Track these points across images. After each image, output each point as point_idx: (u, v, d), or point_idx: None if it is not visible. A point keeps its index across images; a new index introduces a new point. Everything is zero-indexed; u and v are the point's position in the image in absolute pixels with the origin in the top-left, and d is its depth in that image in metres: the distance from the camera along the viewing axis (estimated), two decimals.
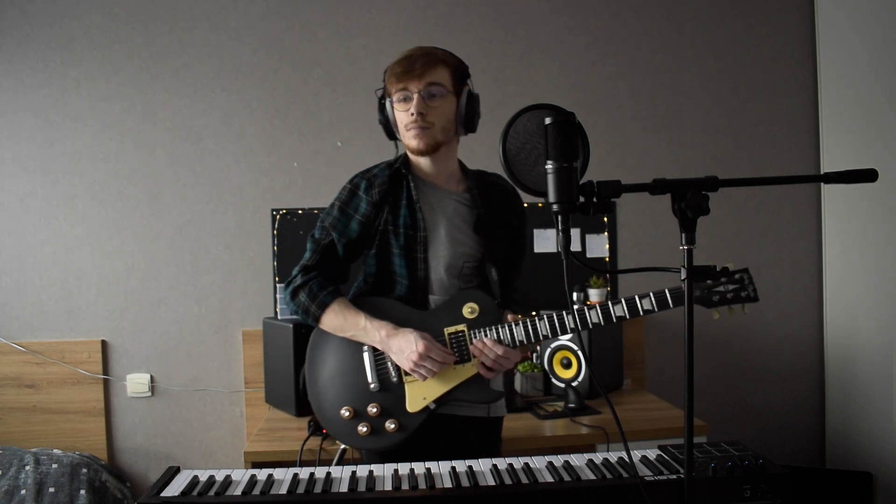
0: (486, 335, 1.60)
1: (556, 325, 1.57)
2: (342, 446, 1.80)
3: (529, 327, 1.59)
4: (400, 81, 1.62)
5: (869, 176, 1.15)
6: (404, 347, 1.57)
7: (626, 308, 1.54)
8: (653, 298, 1.52)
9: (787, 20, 3.15)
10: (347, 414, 1.63)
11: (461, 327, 1.62)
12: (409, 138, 1.64)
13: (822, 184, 2.94)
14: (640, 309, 1.53)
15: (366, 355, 1.65)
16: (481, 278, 1.72)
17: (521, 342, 1.59)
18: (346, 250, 1.69)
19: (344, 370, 1.67)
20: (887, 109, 2.75)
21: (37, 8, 2.82)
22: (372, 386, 1.63)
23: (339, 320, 1.64)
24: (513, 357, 1.59)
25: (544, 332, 1.58)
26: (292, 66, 2.94)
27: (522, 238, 1.84)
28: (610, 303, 1.54)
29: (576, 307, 1.55)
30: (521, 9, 3.03)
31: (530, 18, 3.03)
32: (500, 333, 1.59)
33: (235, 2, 2.91)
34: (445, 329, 1.62)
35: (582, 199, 1.12)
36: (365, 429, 1.61)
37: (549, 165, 1.10)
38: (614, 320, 1.55)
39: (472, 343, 1.60)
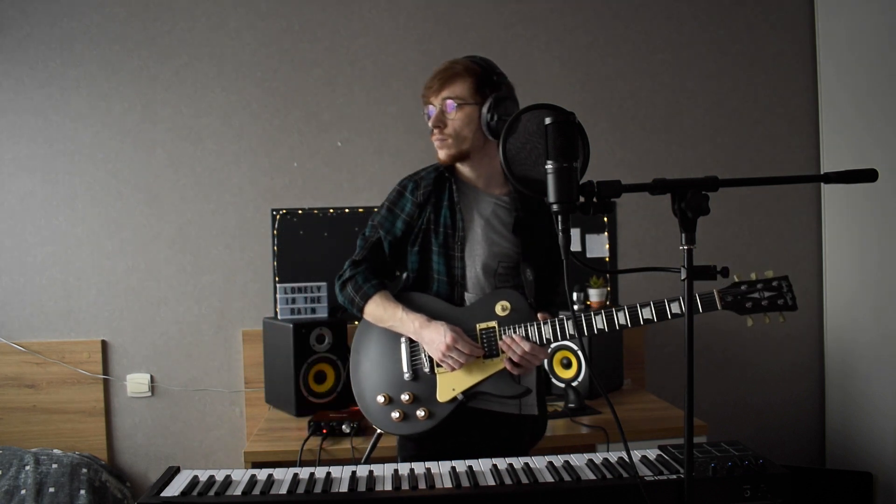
0: (514, 332, 1.65)
1: (584, 325, 1.61)
2: (378, 431, 1.92)
3: (557, 326, 1.63)
4: (424, 97, 1.73)
5: (869, 176, 1.15)
6: (434, 338, 1.65)
7: (653, 311, 1.54)
8: (681, 302, 1.50)
9: (787, 20, 3.15)
10: (382, 400, 1.72)
11: (492, 324, 1.68)
12: (436, 148, 1.74)
13: (822, 184, 2.94)
14: (668, 312, 1.53)
15: (402, 346, 1.74)
16: (518, 279, 1.77)
17: (548, 340, 1.63)
18: (391, 248, 1.78)
19: (383, 360, 1.77)
20: (887, 109, 2.75)
21: (37, 8, 2.82)
22: (406, 375, 1.72)
23: (380, 311, 1.74)
24: (540, 355, 1.64)
25: (571, 332, 1.62)
26: (292, 66, 2.94)
27: None
28: (638, 305, 1.56)
29: (604, 310, 1.59)
30: (520, 9, 3.03)
31: (530, 18, 3.03)
32: (529, 331, 1.64)
33: (235, 2, 2.91)
34: (477, 325, 1.69)
35: (582, 199, 1.12)
36: (397, 415, 1.70)
37: (549, 165, 1.10)
38: (642, 322, 1.56)
39: (501, 339, 1.66)
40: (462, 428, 1.70)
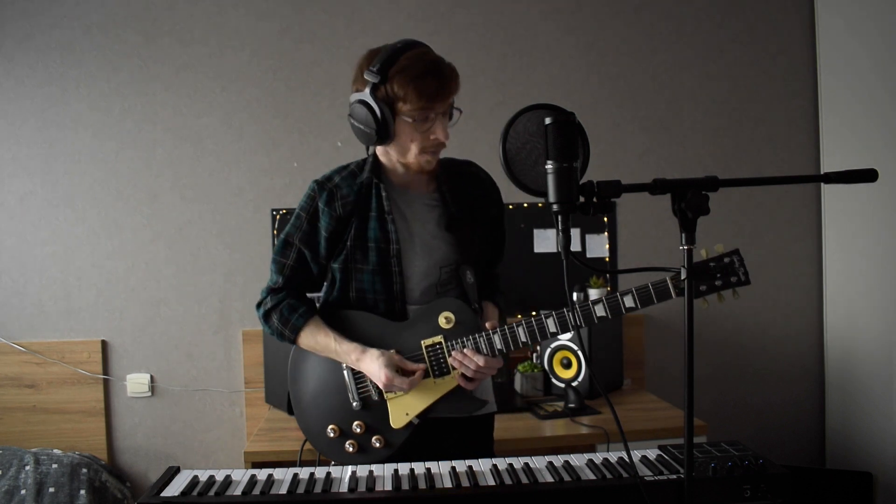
0: (463, 346, 1.55)
1: (536, 330, 1.51)
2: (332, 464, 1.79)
3: (508, 335, 1.53)
4: (429, 101, 1.48)
5: (869, 176, 1.15)
6: (373, 373, 1.55)
7: (606, 307, 1.46)
8: (635, 295, 1.44)
9: (787, 20, 3.15)
10: (333, 434, 1.61)
11: (438, 339, 1.57)
12: (422, 161, 1.56)
13: (822, 184, 2.94)
14: (622, 307, 1.44)
15: (345, 373, 1.63)
16: (459, 281, 1.66)
17: (500, 351, 1.54)
18: (318, 266, 1.65)
19: (326, 389, 1.65)
20: (887, 109, 2.75)
21: (37, 8, 2.82)
22: (354, 405, 1.61)
23: (312, 342, 1.63)
24: (494, 365, 1.54)
25: (524, 339, 1.52)
26: (292, 66, 2.94)
27: (502, 225, 1.78)
28: (591, 303, 1.47)
29: (555, 312, 1.50)
30: (521, 9, 3.03)
31: (530, 18, 3.03)
32: (480, 343, 1.54)
33: (235, 2, 2.91)
34: (422, 341, 1.58)
35: (582, 199, 1.12)
36: (352, 447, 1.60)
37: (549, 165, 1.10)
38: (595, 321, 1.47)
39: (450, 355, 1.56)
40: (423, 441, 1.60)
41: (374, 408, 1.60)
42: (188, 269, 2.92)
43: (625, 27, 3.08)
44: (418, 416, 1.58)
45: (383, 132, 1.51)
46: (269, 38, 2.93)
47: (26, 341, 2.84)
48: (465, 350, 1.54)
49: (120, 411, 2.90)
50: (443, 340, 1.57)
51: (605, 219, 3.06)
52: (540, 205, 2.98)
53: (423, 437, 1.61)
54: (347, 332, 1.61)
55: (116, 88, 2.87)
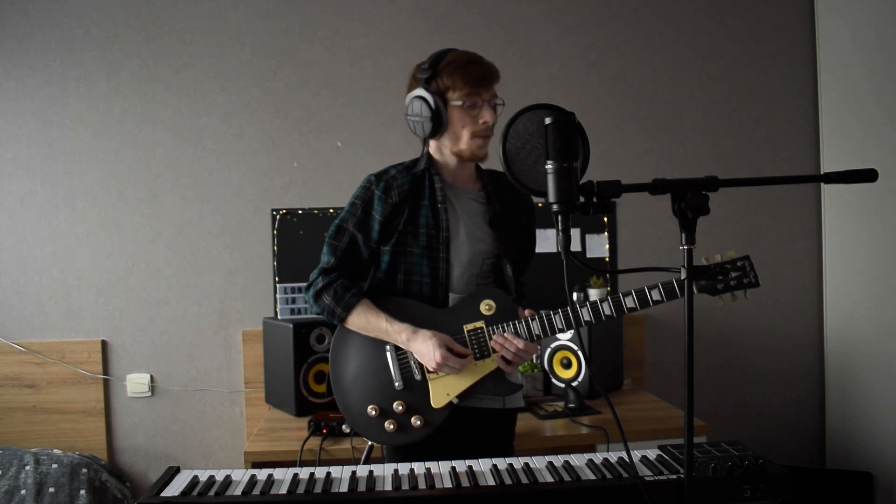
0: (504, 331, 1.66)
1: (571, 318, 1.63)
2: (370, 443, 1.88)
3: (545, 321, 1.64)
4: (474, 86, 1.65)
5: (869, 176, 1.15)
6: (424, 353, 1.63)
7: (636, 299, 1.59)
8: (661, 289, 1.57)
9: (787, 20, 3.15)
10: (374, 413, 1.69)
11: (479, 324, 1.68)
12: (474, 147, 1.69)
13: (822, 184, 2.94)
14: (650, 300, 1.58)
15: (388, 355, 1.71)
16: (497, 274, 1.78)
17: (537, 336, 1.65)
18: (369, 251, 1.74)
19: (367, 370, 1.73)
20: (887, 109, 2.75)
21: (37, 8, 2.82)
22: (397, 385, 1.70)
23: (363, 321, 1.71)
24: (531, 350, 1.66)
25: (560, 326, 1.64)
26: (292, 66, 2.94)
27: (533, 234, 1.91)
28: (621, 294, 1.60)
29: (588, 302, 1.62)
30: (520, 9, 3.03)
31: (530, 18, 3.03)
32: (518, 328, 1.65)
33: (235, 2, 2.91)
34: (465, 326, 1.69)
35: (582, 199, 1.13)
36: (392, 426, 1.68)
37: (549, 165, 1.10)
38: (626, 311, 1.61)
39: (490, 339, 1.66)
40: (451, 429, 1.69)
41: (415, 388, 1.69)
42: (188, 269, 2.92)
43: (625, 27, 3.08)
44: (458, 397, 1.66)
45: (437, 120, 1.66)
46: (270, 38, 2.93)
47: (26, 341, 2.84)
48: (505, 334, 1.65)
49: (120, 411, 2.89)
50: (484, 326, 1.68)
51: (605, 219, 3.06)
52: (540, 205, 2.98)
53: (456, 424, 1.69)
54: (393, 315, 1.70)
55: (116, 88, 2.87)
